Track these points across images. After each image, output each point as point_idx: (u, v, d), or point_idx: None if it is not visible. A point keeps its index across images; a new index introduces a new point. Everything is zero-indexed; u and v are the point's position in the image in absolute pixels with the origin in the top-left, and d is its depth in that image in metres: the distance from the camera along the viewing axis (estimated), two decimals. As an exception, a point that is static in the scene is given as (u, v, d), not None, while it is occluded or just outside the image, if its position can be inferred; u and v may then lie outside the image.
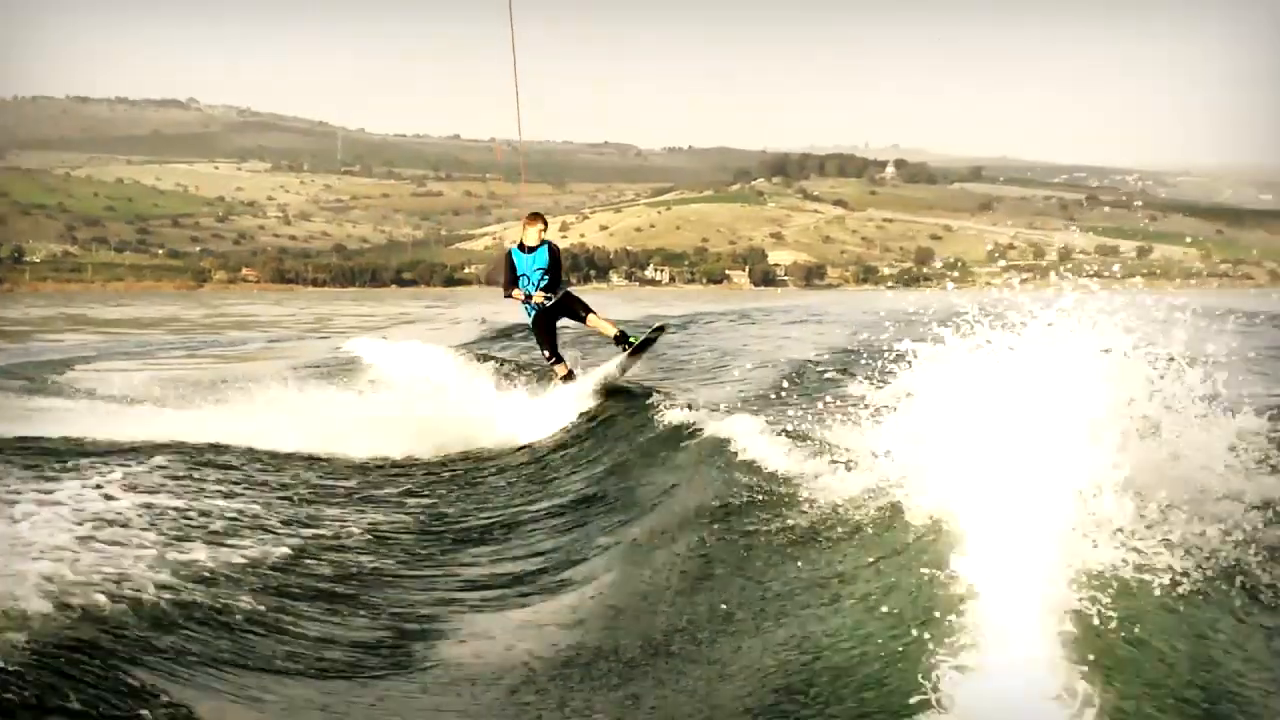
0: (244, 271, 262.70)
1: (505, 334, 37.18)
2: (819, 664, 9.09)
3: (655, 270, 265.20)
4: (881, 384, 13.28)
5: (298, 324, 72.35)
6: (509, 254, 19.60)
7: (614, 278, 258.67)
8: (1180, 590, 9.87)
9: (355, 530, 13.93)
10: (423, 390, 25.13)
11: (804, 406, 18.06)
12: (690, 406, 19.35)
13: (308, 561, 11.98)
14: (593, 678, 9.77)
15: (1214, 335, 14.43)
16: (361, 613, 11.02)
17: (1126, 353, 12.50)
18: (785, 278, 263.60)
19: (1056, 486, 10.40)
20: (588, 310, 19.44)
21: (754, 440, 15.99)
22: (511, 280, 19.14)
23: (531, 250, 19.20)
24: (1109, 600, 9.15)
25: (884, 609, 9.87)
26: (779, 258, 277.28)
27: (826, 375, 19.71)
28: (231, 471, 17.31)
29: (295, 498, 16.08)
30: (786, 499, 13.33)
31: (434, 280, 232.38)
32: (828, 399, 15.31)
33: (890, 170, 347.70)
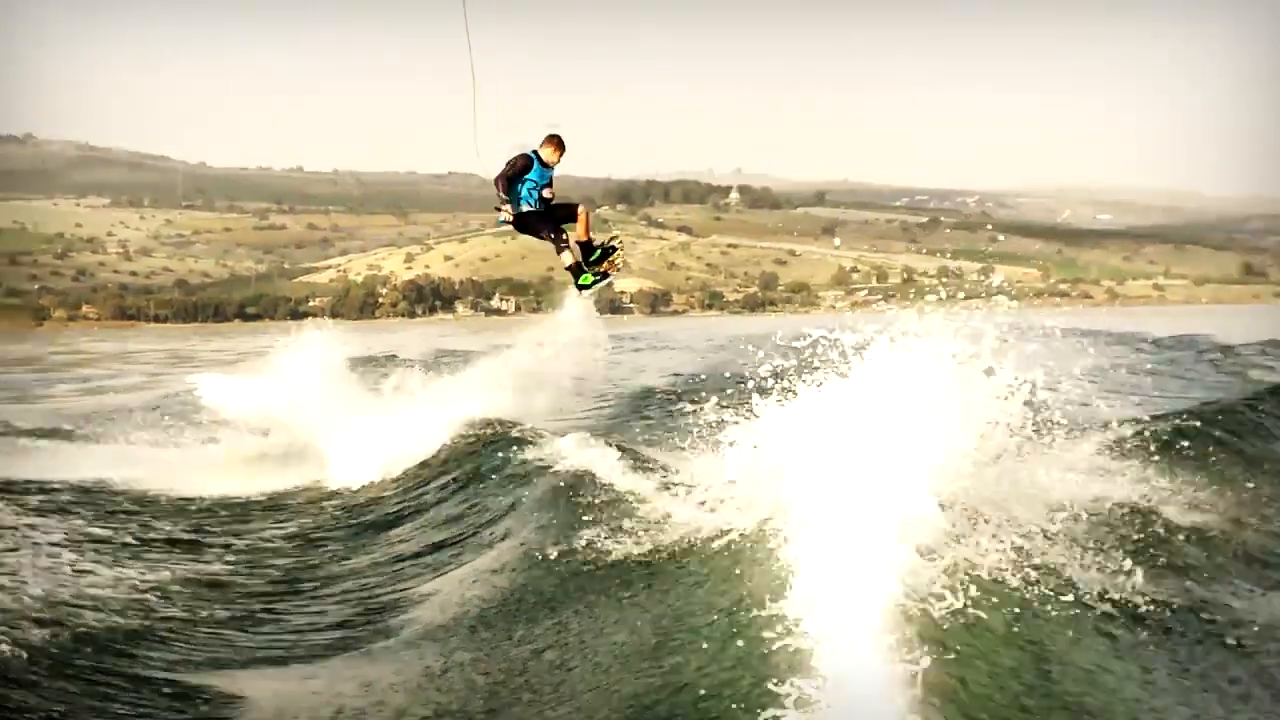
0: (84, 309, 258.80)
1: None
2: (663, 691, 9.32)
3: (501, 300, 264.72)
4: (727, 409, 13.52)
5: (148, 361, 71.72)
6: (529, 156, 19.63)
7: (459, 308, 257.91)
8: (1016, 603, 10.22)
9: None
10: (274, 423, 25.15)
11: (652, 434, 18.32)
12: (541, 436, 19.55)
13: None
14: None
15: (1052, 354, 14.84)
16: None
17: (967, 372, 12.86)
18: (631, 305, 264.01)
19: (895, 506, 10.70)
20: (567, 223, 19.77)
21: (604, 467, 16.20)
22: (510, 184, 19.24)
23: (548, 167, 19.36)
24: (946, 614, 9.45)
25: (722, 631, 10.12)
26: (624, 285, 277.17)
27: (673, 402, 20.02)
28: (69, 515, 17.34)
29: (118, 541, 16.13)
30: (633, 523, 13.54)
31: (278, 314, 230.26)
32: (675, 426, 15.60)
33: (734, 196, 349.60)
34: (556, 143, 20.27)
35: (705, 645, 9.87)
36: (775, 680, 8.56)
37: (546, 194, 19.95)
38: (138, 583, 13.58)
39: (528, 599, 12.48)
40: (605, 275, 21.10)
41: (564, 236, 20.52)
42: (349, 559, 16.07)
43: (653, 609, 11.09)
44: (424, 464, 21.24)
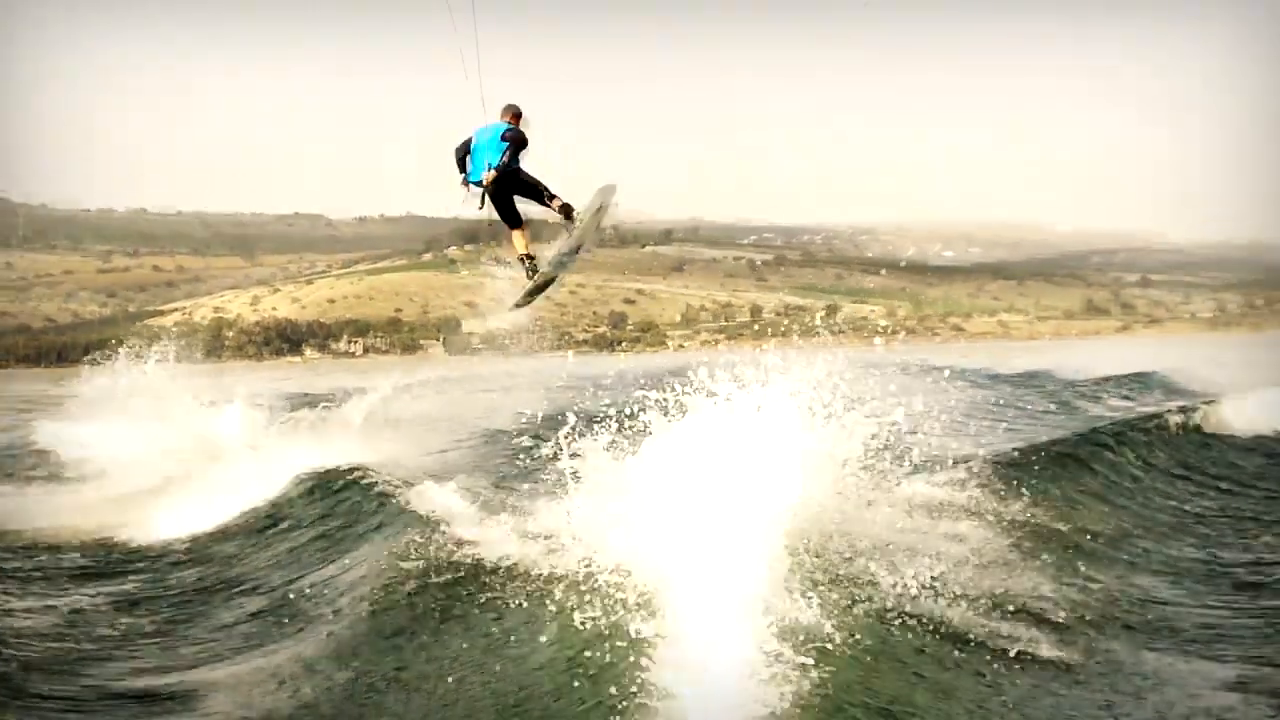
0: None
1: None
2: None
3: (348, 342, 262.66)
4: (575, 450, 13.51)
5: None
6: (465, 144, 19.22)
7: (307, 350, 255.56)
8: (868, 636, 10.28)
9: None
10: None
11: (500, 476, 18.28)
12: (390, 480, 19.43)
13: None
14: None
15: (897, 390, 14.96)
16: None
17: (811, 410, 12.94)
18: (480, 345, 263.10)
19: (744, 544, 10.72)
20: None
21: (452, 512, 16.15)
22: (462, 161, 18.87)
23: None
24: (801, 651, 9.48)
25: (571, 670, 10.09)
26: (473, 326, 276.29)
27: (522, 443, 19.97)
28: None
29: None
30: (484, 566, 13.49)
31: (122, 358, 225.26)
32: (523, 467, 15.60)
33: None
34: (511, 115, 19.82)
35: (554, 686, 9.88)
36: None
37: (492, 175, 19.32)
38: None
39: (372, 641, 12.44)
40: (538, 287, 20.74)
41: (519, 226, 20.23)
42: (176, 621, 15.79)
43: (500, 651, 11.06)
44: (264, 513, 21.09)
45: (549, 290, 20.49)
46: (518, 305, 20.62)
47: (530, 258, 19.92)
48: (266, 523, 20.53)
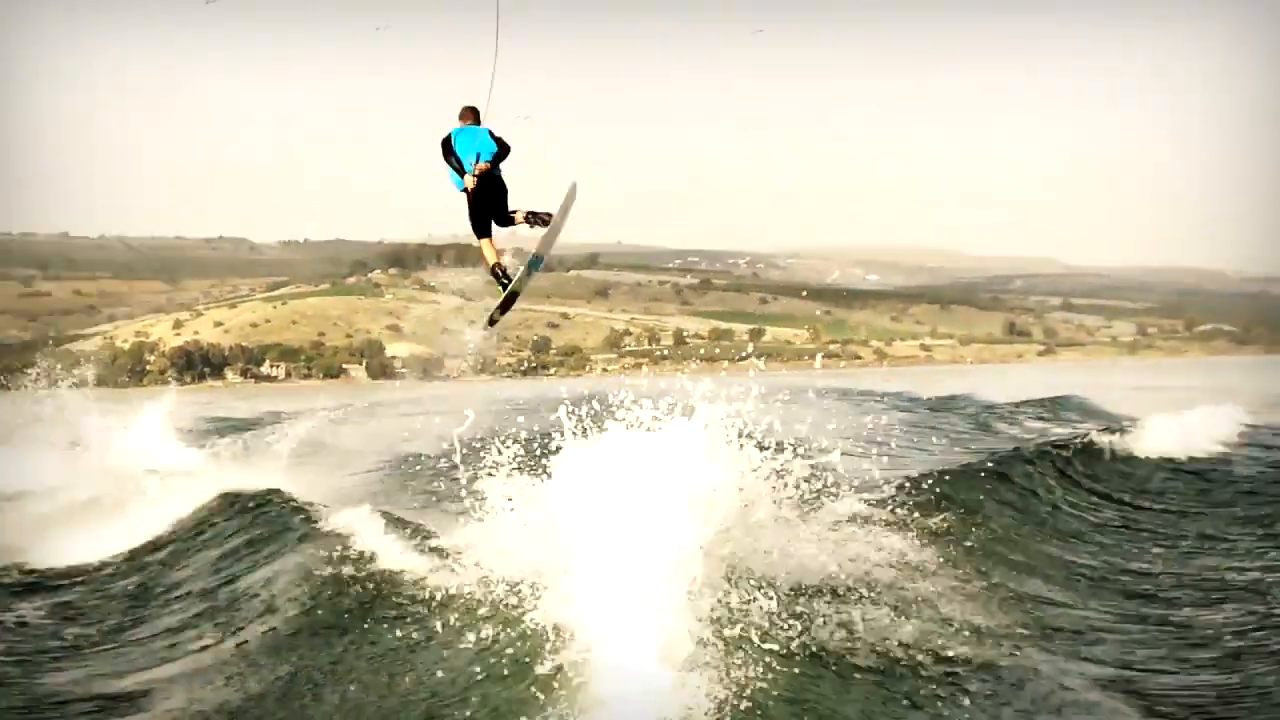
0: None
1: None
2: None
3: (271, 366, 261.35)
4: (497, 474, 13.57)
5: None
6: (447, 138, 18.89)
7: (229, 375, 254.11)
8: (782, 661, 10.38)
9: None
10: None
11: (422, 499, 18.32)
12: (310, 503, 19.43)
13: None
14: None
15: (820, 414, 15.09)
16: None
17: (734, 434, 13.03)
18: (404, 370, 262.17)
19: (661, 570, 10.80)
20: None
21: (372, 536, 16.17)
22: (459, 165, 18.55)
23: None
24: (715, 681, 9.58)
25: (496, 689, 10.16)
26: (397, 350, 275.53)
27: (444, 468, 19.99)
28: None
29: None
30: (403, 590, 13.54)
31: (43, 383, 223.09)
32: (445, 491, 15.64)
33: (508, 258, 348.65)
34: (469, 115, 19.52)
35: (473, 707, 9.94)
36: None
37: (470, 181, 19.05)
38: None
39: (307, 639, 12.53)
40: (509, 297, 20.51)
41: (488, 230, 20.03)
42: (82, 645, 15.88)
43: (419, 673, 11.13)
44: (183, 537, 21.05)
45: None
46: (492, 321, 20.52)
47: (501, 268, 19.80)
48: (188, 544, 20.51)
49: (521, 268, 20.10)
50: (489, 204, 19.35)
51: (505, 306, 20.26)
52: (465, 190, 18.89)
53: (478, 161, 18.75)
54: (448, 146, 18.83)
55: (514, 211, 19.65)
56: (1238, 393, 47.90)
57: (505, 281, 19.94)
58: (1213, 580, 17.51)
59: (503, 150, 19.00)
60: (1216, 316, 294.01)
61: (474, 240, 19.88)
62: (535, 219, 20.00)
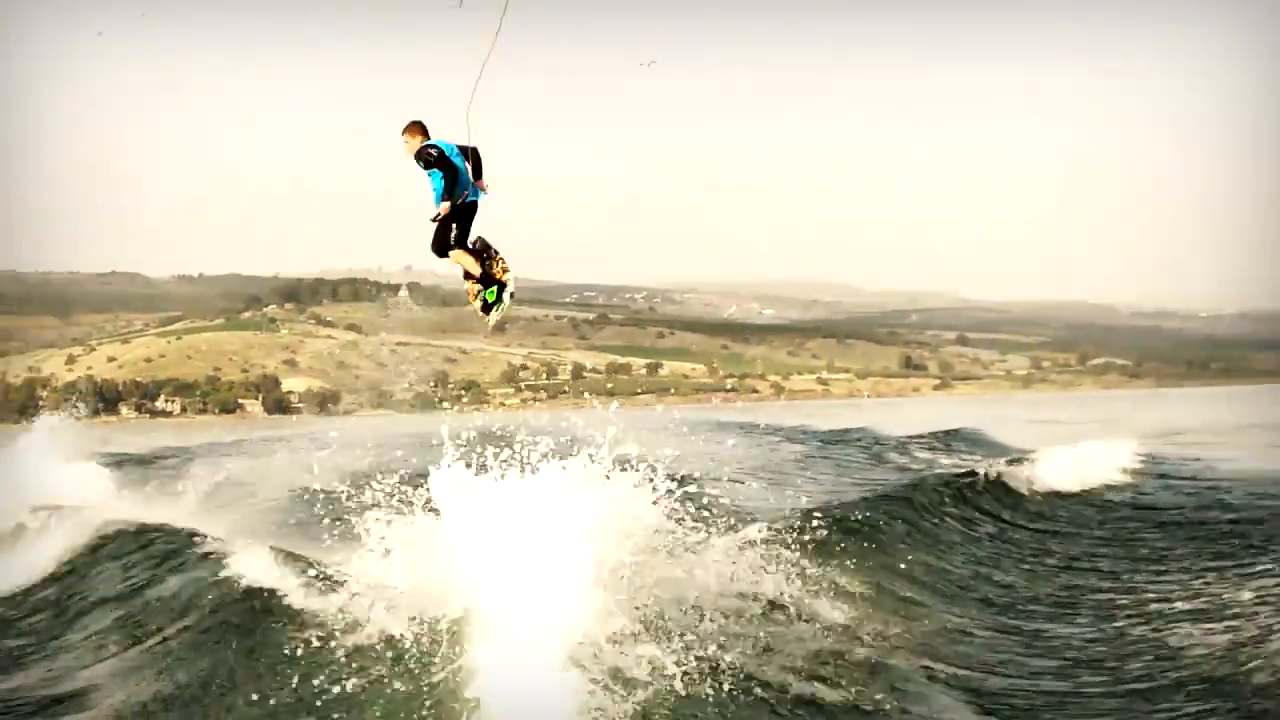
0: None
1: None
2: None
3: (166, 401, 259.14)
4: (392, 510, 13.53)
5: None
6: (441, 153, 17.98)
7: (124, 410, 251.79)
8: (688, 688, 10.41)
9: None
10: None
11: (317, 535, 18.21)
12: (206, 537, 19.29)
13: None
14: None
15: (717, 449, 15.17)
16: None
17: (628, 469, 13.04)
18: (300, 405, 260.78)
19: (557, 606, 10.80)
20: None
21: (269, 574, 16.06)
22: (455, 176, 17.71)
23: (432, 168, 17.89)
24: (620, 709, 9.58)
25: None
26: (293, 384, 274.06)
27: (340, 504, 19.84)
28: None
29: None
30: (303, 634, 13.45)
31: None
32: (340, 527, 15.55)
33: (404, 294, 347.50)
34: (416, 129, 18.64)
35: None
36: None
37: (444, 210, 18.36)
38: None
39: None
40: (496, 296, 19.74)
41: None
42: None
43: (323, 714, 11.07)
44: (76, 571, 20.89)
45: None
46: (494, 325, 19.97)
47: (486, 274, 19.09)
48: (81, 579, 20.37)
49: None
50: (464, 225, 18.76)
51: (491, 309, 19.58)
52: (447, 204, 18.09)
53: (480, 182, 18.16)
54: (445, 159, 17.97)
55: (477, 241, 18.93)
56: (1129, 426, 48.78)
57: (498, 284, 19.15)
58: (1070, 598, 19.20)
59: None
60: (1109, 350, 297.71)
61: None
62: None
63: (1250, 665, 14.22)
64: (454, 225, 17.95)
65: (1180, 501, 28.73)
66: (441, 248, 18.06)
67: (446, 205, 17.49)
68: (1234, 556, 21.88)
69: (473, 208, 18.15)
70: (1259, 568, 20.52)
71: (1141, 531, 25.55)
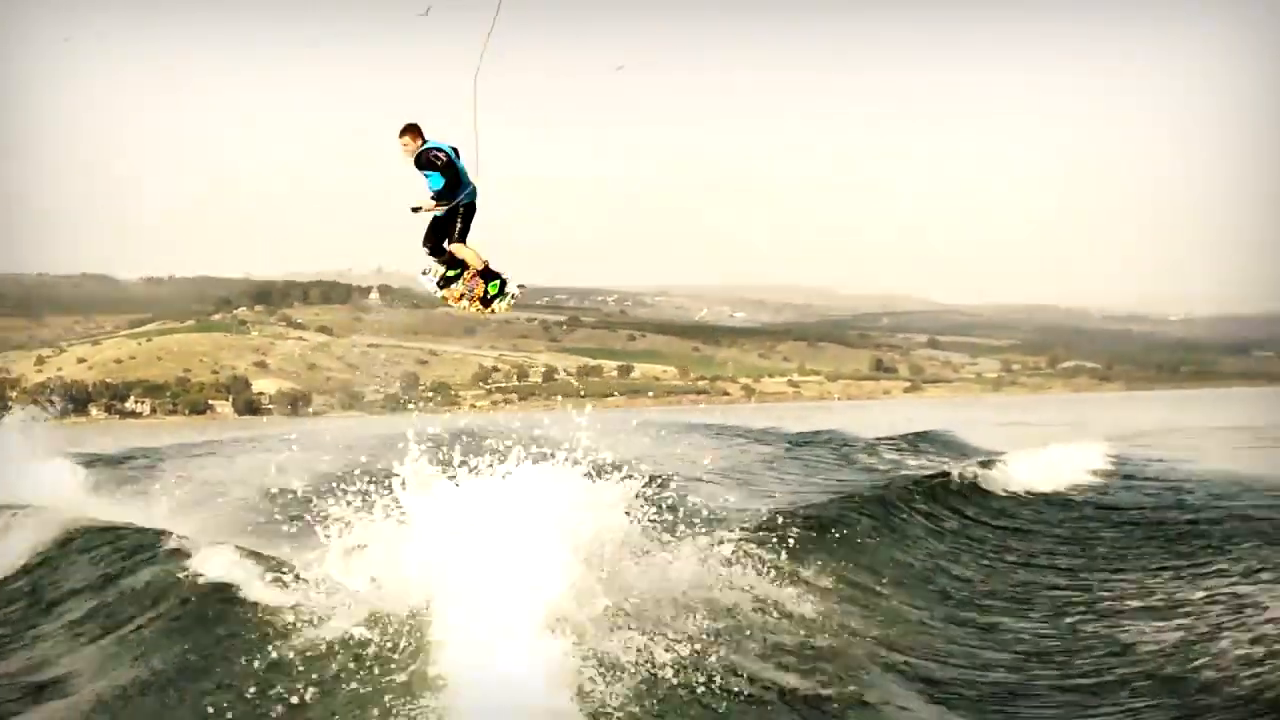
0: None
1: None
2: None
3: (136, 402, 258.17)
4: (364, 509, 13.66)
5: None
6: (449, 160, 18.00)
7: (93, 411, 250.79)
8: (661, 689, 10.56)
9: None
10: None
11: (289, 535, 18.32)
12: (175, 535, 19.37)
13: None
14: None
15: (691, 450, 15.33)
16: None
17: (603, 470, 13.21)
18: (270, 406, 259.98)
19: (533, 604, 10.95)
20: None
21: (240, 573, 16.17)
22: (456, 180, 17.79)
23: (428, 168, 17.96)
24: (592, 707, 9.74)
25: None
26: (263, 386, 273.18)
27: (312, 503, 19.94)
28: None
29: None
30: (271, 624, 13.57)
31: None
32: (313, 528, 15.66)
33: (374, 296, 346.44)
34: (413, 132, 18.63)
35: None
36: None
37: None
38: None
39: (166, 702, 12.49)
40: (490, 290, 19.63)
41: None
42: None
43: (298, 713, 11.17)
44: (29, 569, 20.99)
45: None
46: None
47: (487, 266, 18.99)
48: (47, 579, 20.43)
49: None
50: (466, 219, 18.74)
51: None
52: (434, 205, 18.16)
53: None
54: (451, 164, 18.03)
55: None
56: (1097, 428, 49.14)
57: (498, 278, 19.10)
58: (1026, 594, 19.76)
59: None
60: (1080, 354, 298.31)
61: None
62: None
63: (1198, 663, 14.50)
64: (457, 223, 18.19)
65: (1142, 502, 29.18)
66: (437, 244, 18.32)
67: (437, 204, 17.73)
68: (1191, 556, 22.16)
69: (472, 208, 18.37)
70: (1214, 567, 20.80)
71: (1101, 531, 25.93)
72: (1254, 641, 15.06)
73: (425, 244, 18.55)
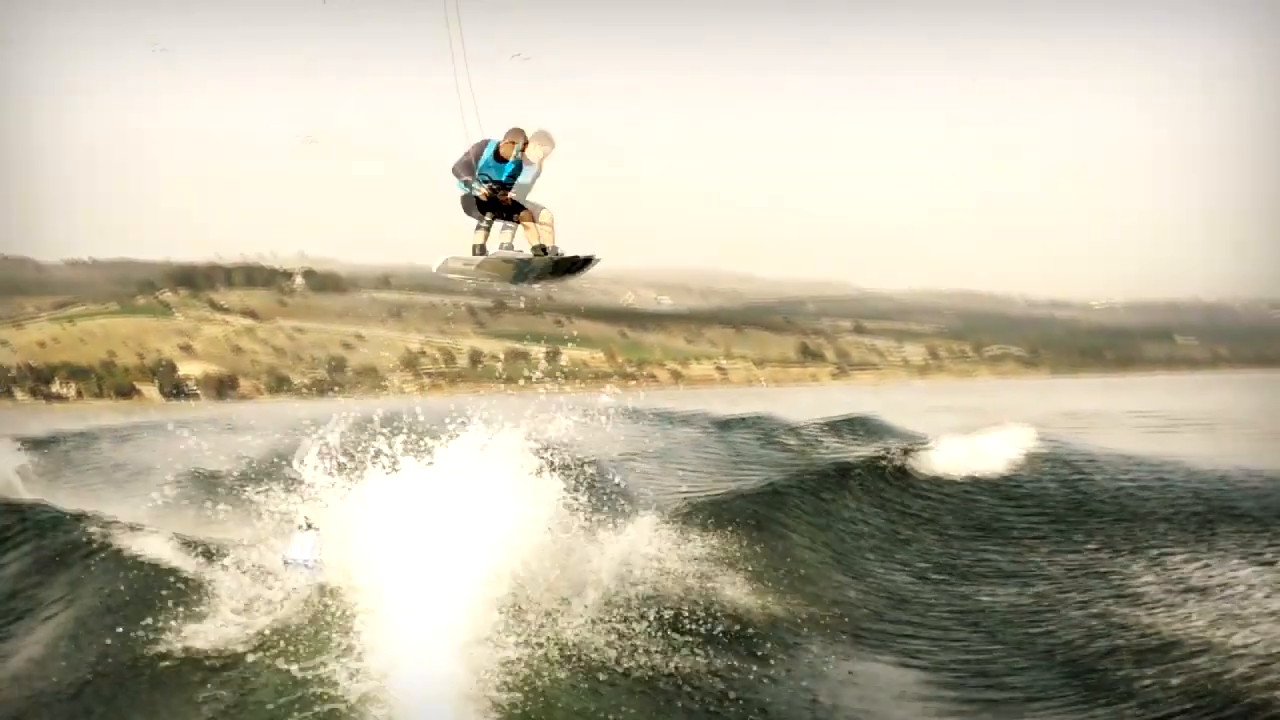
0: None
1: None
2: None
3: (61, 385, 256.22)
4: (293, 492, 13.62)
5: None
6: (485, 142, 18.20)
7: (17, 394, 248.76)
8: (580, 679, 10.56)
9: None
10: None
11: (219, 518, 18.25)
12: (100, 522, 19.25)
13: None
14: None
15: (620, 434, 15.28)
16: None
17: (529, 455, 13.20)
18: (196, 389, 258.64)
19: (460, 588, 10.93)
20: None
21: (165, 555, 16.09)
22: (470, 168, 17.87)
23: (502, 161, 18.06)
24: (521, 693, 9.74)
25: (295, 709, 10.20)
26: (189, 369, 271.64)
27: (240, 487, 19.95)
28: None
29: None
30: (194, 610, 13.52)
31: None
32: (241, 510, 15.61)
33: (299, 280, 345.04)
34: (516, 137, 18.80)
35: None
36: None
37: (488, 190, 18.37)
38: None
39: (95, 686, 12.40)
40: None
41: (488, 219, 19.10)
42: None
43: (224, 698, 11.11)
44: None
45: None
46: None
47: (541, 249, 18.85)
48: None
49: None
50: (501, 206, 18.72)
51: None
52: (476, 195, 18.24)
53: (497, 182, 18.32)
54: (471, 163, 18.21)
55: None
56: (1019, 414, 49.67)
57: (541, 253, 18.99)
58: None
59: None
60: (1005, 340, 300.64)
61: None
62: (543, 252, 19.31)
63: (1050, 628, 15.08)
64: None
65: (1062, 485, 29.60)
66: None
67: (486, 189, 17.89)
68: (1099, 535, 22.64)
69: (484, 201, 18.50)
70: (1093, 543, 21.34)
71: (1021, 513, 26.28)
72: (1096, 616, 16.53)
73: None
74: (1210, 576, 18.37)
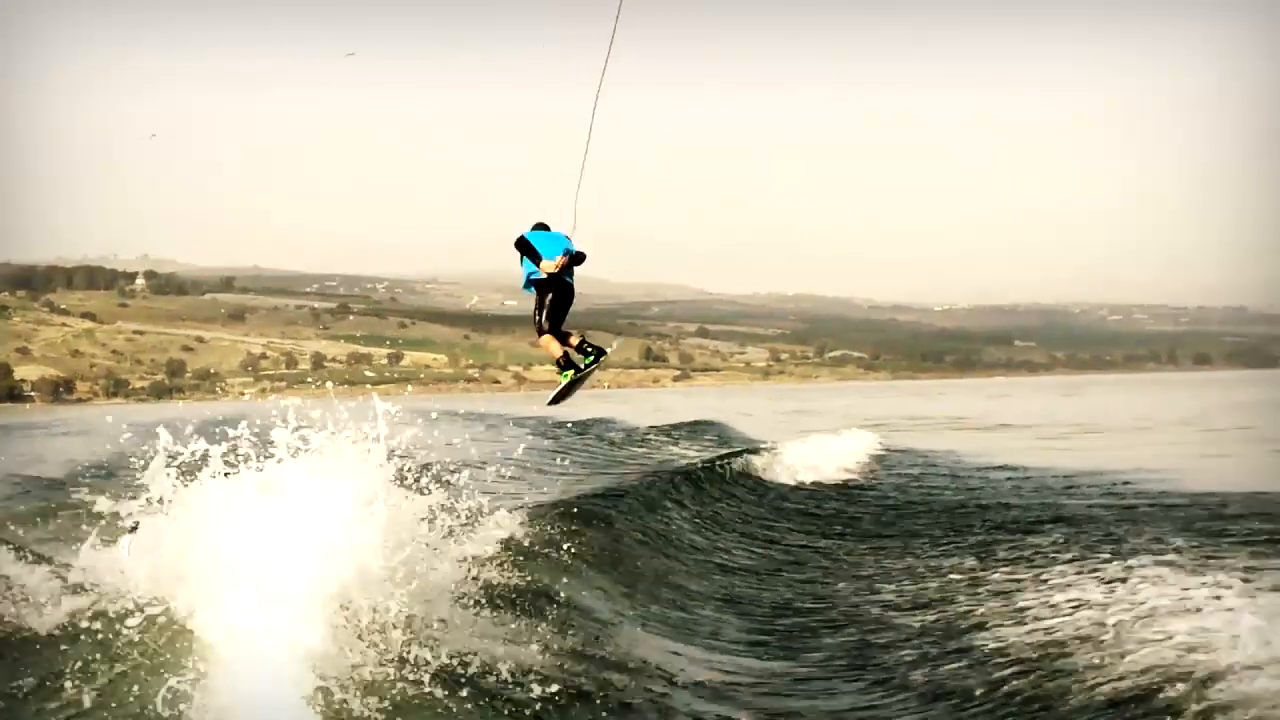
0: None
1: None
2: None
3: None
4: (129, 498, 13.34)
5: None
6: (524, 237, 19.12)
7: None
8: (429, 688, 10.47)
9: None
10: None
11: (50, 525, 17.90)
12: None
13: None
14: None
15: (460, 438, 15.20)
16: None
17: (370, 460, 13.02)
18: (33, 393, 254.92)
19: (296, 600, 10.78)
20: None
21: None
22: (537, 255, 18.86)
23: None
24: (364, 700, 9.63)
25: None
26: (25, 373, 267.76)
27: (75, 491, 19.53)
28: None
29: None
30: (24, 617, 13.23)
31: None
32: (76, 516, 15.31)
33: (140, 282, 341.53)
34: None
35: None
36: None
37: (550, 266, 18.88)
38: None
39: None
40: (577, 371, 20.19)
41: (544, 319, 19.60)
42: None
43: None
44: None
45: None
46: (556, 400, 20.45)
47: (566, 356, 19.62)
48: None
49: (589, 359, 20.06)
50: (558, 303, 19.36)
51: (566, 393, 20.25)
52: (542, 276, 18.87)
53: (561, 255, 18.82)
54: (525, 243, 18.84)
55: (570, 332, 19.60)
56: (859, 417, 50.30)
57: (575, 368, 19.82)
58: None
59: (579, 256, 19.23)
60: (846, 343, 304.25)
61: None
62: (587, 346, 19.96)
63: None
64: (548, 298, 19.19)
65: (892, 488, 30.17)
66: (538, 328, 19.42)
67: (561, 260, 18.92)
68: (926, 535, 22.93)
69: (556, 294, 19.25)
70: (943, 545, 21.59)
71: (863, 514, 26.57)
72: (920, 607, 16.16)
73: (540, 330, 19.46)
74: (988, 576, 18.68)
